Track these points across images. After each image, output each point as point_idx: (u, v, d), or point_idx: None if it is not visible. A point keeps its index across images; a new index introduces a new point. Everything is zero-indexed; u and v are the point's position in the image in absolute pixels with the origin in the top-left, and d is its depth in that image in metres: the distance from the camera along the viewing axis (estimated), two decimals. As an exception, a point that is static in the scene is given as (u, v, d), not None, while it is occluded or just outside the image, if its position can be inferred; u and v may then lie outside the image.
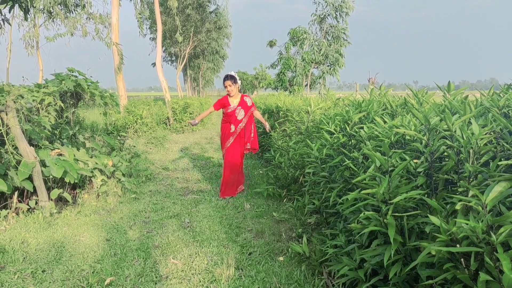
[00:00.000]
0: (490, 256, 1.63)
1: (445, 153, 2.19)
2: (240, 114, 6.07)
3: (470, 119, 2.13)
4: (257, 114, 6.29)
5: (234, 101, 6.12)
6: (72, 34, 17.52)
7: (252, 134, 6.23)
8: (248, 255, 3.81)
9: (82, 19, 17.76)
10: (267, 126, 6.31)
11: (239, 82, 6.13)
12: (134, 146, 7.76)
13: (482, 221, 1.64)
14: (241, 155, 6.19)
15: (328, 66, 19.30)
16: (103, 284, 3.22)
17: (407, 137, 2.57)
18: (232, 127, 6.10)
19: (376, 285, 2.58)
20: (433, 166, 2.23)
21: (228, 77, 6.06)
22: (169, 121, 15.10)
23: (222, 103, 6.16)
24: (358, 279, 2.70)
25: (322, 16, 18.79)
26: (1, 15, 5.55)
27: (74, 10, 17.32)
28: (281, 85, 19.99)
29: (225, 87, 6.09)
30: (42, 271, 3.46)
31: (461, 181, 2.02)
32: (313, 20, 19.11)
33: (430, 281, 1.91)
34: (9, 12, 5.39)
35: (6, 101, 4.56)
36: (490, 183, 1.76)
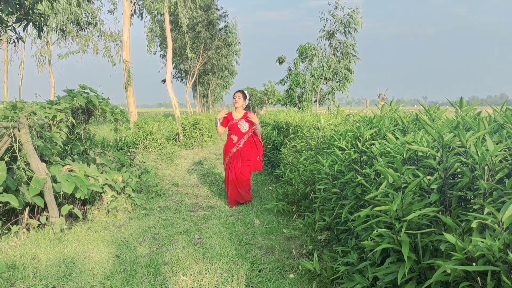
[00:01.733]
0: (507, 275, 1.60)
1: (459, 170, 2.16)
2: (244, 127, 6.33)
3: (484, 135, 2.11)
4: (259, 133, 6.50)
5: (237, 115, 6.42)
6: (84, 52, 17.80)
7: (258, 158, 6.54)
8: (258, 272, 3.77)
9: (94, 37, 18.07)
10: (258, 127, 6.45)
11: (247, 100, 6.44)
12: (144, 162, 7.78)
13: (498, 239, 1.61)
14: (240, 170, 6.37)
15: (337, 82, 19.35)
16: (112, 301, 3.20)
17: (420, 154, 2.55)
18: (235, 138, 6.39)
19: (389, 304, 2.53)
20: (447, 182, 2.21)
21: (240, 91, 6.39)
22: (178, 137, 15.16)
23: (226, 119, 6.50)
24: (371, 297, 2.66)
25: (330, 32, 18.91)
26: (16, 33, 5.66)
27: (86, 28, 17.61)
28: (290, 101, 20.04)
29: (234, 98, 6.38)
30: (52, 288, 3.46)
31: (476, 198, 2.00)
32: (321, 36, 19.22)
33: (446, 301, 1.87)
34: (23, 30, 5.50)
35: (19, 118, 4.61)
36: (506, 200, 1.74)
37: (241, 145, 6.36)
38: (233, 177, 6.32)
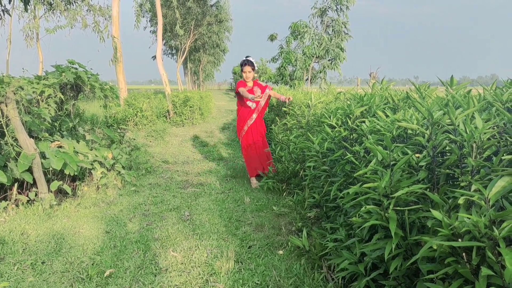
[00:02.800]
0: (492, 251, 1.62)
1: (448, 148, 2.18)
2: (257, 92, 6.17)
3: (473, 113, 2.12)
4: (273, 93, 6.43)
5: (250, 83, 6.32)
6: (72, 26, 17.46)
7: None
8: (248, 248, 3.80)
9: (83, 11, 17.70)
10: (283, 97, 6.33)
11: (256, 68, 6.29)
12: (134, 139, 7.74)
13: (484, 215, 1.63)
14: (263, 136, 6.47)
15: (329, 60, 19.26)
16: (102, 276, 3.22)
17: (409, 131, 2.56)
18: (253, 105, 6.30)
19: (376, 279, 2.57)
20: (435, 160, 2.22)
21: (248, 63, 6.17)
22: (169, 114, 15.06)
23: (241, 84, 6.26)
24: (358, 273, 2.69)
25: (322, 9, 18.71)
26: (1, 6, 5.52)
27: (75, 2, 17.24)
28: (282, 79, 19.94)
29: (243, 72, 6.21)
30: (42, 263, 3.46)
31: (463, 176, 2.01)
32: (313, 13, 19.02)
33: (431, 276, 1.90)
34: (9, 3, 5.37)
35: (6, 92, 4.54)
36: (493, 177, 1.75)
37: (260, 108, 6.34)
38: (259, 143, 6.38)
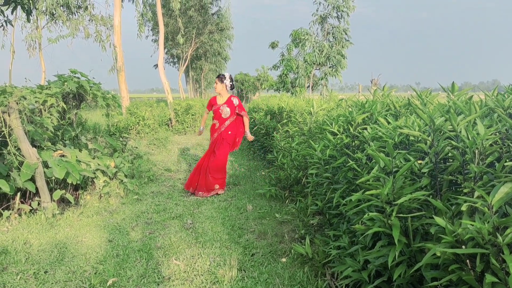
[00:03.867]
0: (496, 258, 1.62)
1: (450, 154, 2.17)
2: (225, 112, 6.27)
3: (475, 119, 2.12)
4: (246, 121, 6.48)
5: (220, 100, 6.37)
6: (74, 36, 17.57)
7: (237, 139, 6.53)
8: (251, 256, 3.79)
9: (85, 21, 17.82)
10: (248, 134, 6.49)
11: (227, 82, 6.30)
12: (136, 148, 7.76)
13: (488, 222, 1.62)
14: (222, 154, 6.30)
15: (330, 67, 19.31)
16: (105, 285, 3.21)
17: (411, 138, 2.56)
18: (217, 123, 6.35)
19: (379, 287, 2.56)
20: (438, 167, 2.22)
21: (217, 76, 6.38)
22: (171, 123, 15.10)
23: (210, 103, 6.49)
24: (362, 280, 2.68)
25: (323, 16, 18.80)
26: (4, 16, 5.56)
27: (77, 12, 17.36)
28: (283, 86, 20.00)
29: (218, 84, 6.36)
30: (45, 272, 3.46)
31: (466, 182, 2.01)
32: (314, 20, 19.12)
33: (435, 283, 1.89)
34: (12, 13, 5.41)
35: (8, 102, 4.56)
36: (496, 184, 1.75)
37: (223, 129, 6.33)
38: (205, 163, 6.34)
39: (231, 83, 6.33)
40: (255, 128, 9.80)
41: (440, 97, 3.41)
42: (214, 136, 6.36)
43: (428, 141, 2.22)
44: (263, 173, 7.69)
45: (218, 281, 3.27)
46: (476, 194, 1.83)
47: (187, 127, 15.09)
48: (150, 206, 5.53)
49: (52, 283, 3.27)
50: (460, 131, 2.06)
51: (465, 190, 1.98)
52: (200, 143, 12.46)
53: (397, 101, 3.49)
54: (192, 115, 15.27)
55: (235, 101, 6.34)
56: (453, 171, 2.18)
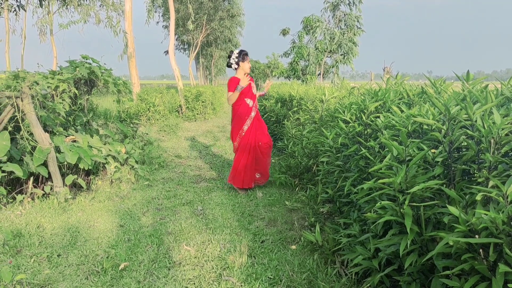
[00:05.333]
0: (510, 247, 1.60)
1: (464, 143, 2.15)
2: (254, 89, 5.73)
3: (491, 108, 2.09)
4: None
5: (243, 79, 5.53)
6: (85, 21, 17.58)
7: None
8: (261, 243, 3.81)
9: (96, 6, 17.80)
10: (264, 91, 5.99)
11: (234, 59, 5.60)
12: (147, 134, 7.79)
13: (502, 212, 1.61)
14: (266, 135, 5.74)
15: (341, 55, 19.14)
16: (117, 269, 3.25)
17: (425, 127, 2.53)
18: (250, 102, 5.59)
19: (390, 275, 2.56)
20: (452, 156, 2.20)
21: (242, 52, 5.60)
22: (181, 109, 15.12)
23: (235, 82, 5.49)
24: (372, 268, 2.69)
25: (335, 3, 18.59)
26: (17, 1, 5.57)
27: (88, -3, 17.34)
28: (294, 74, 19.89)
29: (247, 64, 5.61)
30: (58, 255, 3.51)
31: (480, 172, 1.99)
32: (325, 7, 18.92)
33: (447, 272, 1.89)
34: (24, -2, 5.41)
35: (21, 87, 4.59)
36: (511, 173, 1.73)
37: (257, 108, 5.72)
38: (256, 146, 5.62)
39: (237, 59, 5.61)
40: (265, 116, 9.78)
41: (453, 86, 3.37)
42: (251, 116, 5.58)
43: (442, 130, 2.20)
44: (273, 160, 7.69)
45: (228, 267, 3.29)
46: (491, 183, 1.82)
47: (197, 114, 15.11)
48: (161, 192, 5.56)
49: (65, 266, 3.32)
50: (476, 120, 2.04)
51: (479, 180, 1.96)
52: (210, 130, 12.47)
53: (411, 90, 3.45)
54: (203, 102, 15.27)
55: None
56: (467, 161, 2.16)
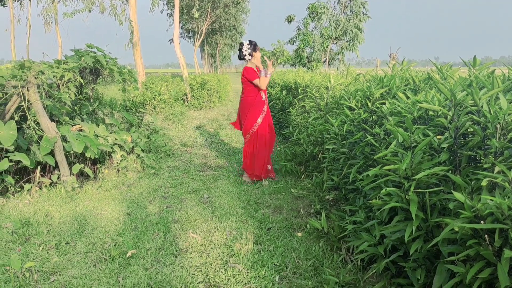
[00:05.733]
0: (516, 233, 1.60)
1: (470, 129, 2.14)
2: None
3: (497, 94, 2.07)
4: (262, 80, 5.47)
5: (269, 67, 5.43)
6: (90, 10, 17.51)
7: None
8: (267, 230, 3.83)
9: (100, -6, 17.72)
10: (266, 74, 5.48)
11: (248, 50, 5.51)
12: (153, 122, 7.80)
13: (508, 197, 1.61)
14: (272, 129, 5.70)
15: (347, 41, 18.99)
16: (125, 256, 3.28)
17: (431, 113, 2.52)
18: (263, 95, 5.52)
19: (395, 261, 2.57)
20: (458, 142, 2.19)
21: (252, 43, 5.52)
22: (187, 98, 15.11)
23: (254, 71, 5.41)
24: (378, 255, 2.70)
25: (340, -11, 18.41)
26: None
27: (92, -14, 17.25)
28: (299, 61, 19.77)
29: (258, 54, 5.55)
30: (66, 243, 3.55)
31: (486, 157, 1.98)
32: (331, -8, 18.74)
33: (452, 258, 1.89)
34: (28, -13, 5.39)
35: (27, 77, 4.60)
36: (518, 159, 1.72)
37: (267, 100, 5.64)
38: (268, 140, 5.59)
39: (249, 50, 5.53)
40: (270, 104, 9.76)
41: (460, 72, 3.34)
42: (264, 110, 5.50)
43: (448, 116, 2.18)
44: (278, 148, 7.69)
45: (234, 254, 3.31)
46: (497, 169, 1.81)
47: (203, 102, 15.10)
48: (167, 180, 5.59)
49: (73, 254, 3.36)
50: (482, 106, 2.02)
51: (485, 166, 1.96)
52: (216, 118, 12.48)
53: (416, 76, 3.42)
54: (208, 90, 15.24)
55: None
56: (473, 147, 2.15)
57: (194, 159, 6.98)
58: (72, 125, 5.25)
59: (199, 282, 2.92)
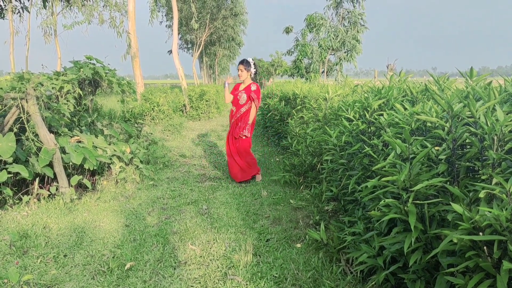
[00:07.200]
0: (514, 245, 1.60)
1: (468, 140, 2.15)
2: (242, 99, 6.04)
3: (494, 105, 2.09)
4: (253, 108, 6.05)
5: (242, 86, 6.16)
6: (89, 22, 17.63)
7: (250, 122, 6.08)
8: (266, 241, 3.82)
9: (99, 6, 17.85)
10: (248, 124, 6.06)
11: (252, 69, 6.03)
12: (151, 134, 7.81)
13: (506, 209, 1.61)
14: (243, 140, 6.11)
15: (345, 52, 19.10)
16: (123, 268, 3.27)
17: (428, 124, 2.53)
18: (234, 109, 6.18)
19: (395, 273, 2.57)
20: (455, 153, 2.20)
21: (243, 62, 6.07)
22: (185, 109, 15.15)
23: (234, 88, 6.29)
24: (377, 266, 2.69)
25: (338, 1, 18.55)
26: (21, 3, 5.60)
27: (91, -2, 17.39)
28: (298, 72, 19.87)
29: (238, 70, 6.14)
30: (64, 256, 3.53)
31: (484, 169, 1.99)
32: (329, 5, 18.88)
33: (452, 269, 1.89)
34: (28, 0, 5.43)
35: (26, 89, 4.62)
36: (515, 170, 1.73)
37: (238, 116, 6.08)
38: (232, 148, 6.18)
39: (255, 69, 6.11)
40: (269, 114, 9.78)
41: (457, 82, 3.36)
42: (231, 122, 6.21)
43: (445, 127, 2.20)
44: (277, 159, 7.70)
45: (233, 265, 3.30)
46: (494, 180, 1.82)
47: (201, 113, 15.13)
48: (166, 191, 5.58)
49: (72, 266, 3.34)
50: (479, 117, 2.04)
51: (483, 177, 1.96)
52: (215, 129, 12.49)
53: (414, 87, 3.44)
54: (206, 101, 15.29)
55: (253, 87, 6.04)
56: (470, 158, 2.16)
57: (193, 170, 6.98)
58: (71, 137, 5.25)
59: (198, 295, 2.90)
